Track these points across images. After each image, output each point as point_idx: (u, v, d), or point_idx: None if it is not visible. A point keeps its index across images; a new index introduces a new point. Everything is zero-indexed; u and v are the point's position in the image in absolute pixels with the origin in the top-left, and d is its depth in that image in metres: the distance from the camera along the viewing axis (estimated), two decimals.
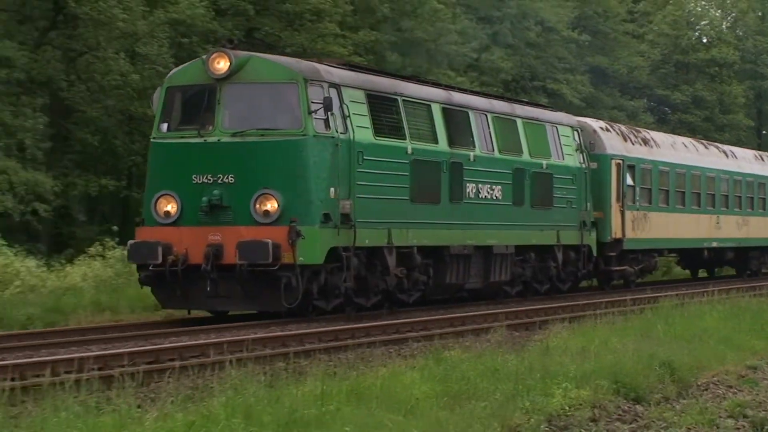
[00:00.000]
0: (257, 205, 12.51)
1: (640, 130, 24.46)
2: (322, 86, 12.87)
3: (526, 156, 17.90)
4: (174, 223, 12.86)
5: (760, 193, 27.36)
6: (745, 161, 27.45)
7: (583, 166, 19.60)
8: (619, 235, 20.36)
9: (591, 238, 19.52)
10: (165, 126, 13.33)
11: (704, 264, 27.01)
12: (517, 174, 17.48)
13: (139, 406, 6.13)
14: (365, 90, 13.83)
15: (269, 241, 11.91)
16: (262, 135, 12.87)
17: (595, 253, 19.65)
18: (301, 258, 12.21)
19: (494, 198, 16.73)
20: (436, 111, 15.36)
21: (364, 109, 13.62)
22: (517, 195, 17.44)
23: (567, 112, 22.12)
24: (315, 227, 12.53)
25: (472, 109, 16.60)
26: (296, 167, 12.80)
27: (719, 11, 45.96)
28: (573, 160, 19.34)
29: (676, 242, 23.60)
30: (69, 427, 5.01)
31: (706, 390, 8.69)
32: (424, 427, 5.80)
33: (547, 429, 6.52)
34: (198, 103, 13.22)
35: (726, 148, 28.22)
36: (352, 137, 13.05)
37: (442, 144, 15.23)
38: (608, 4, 38.52)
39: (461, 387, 7.23)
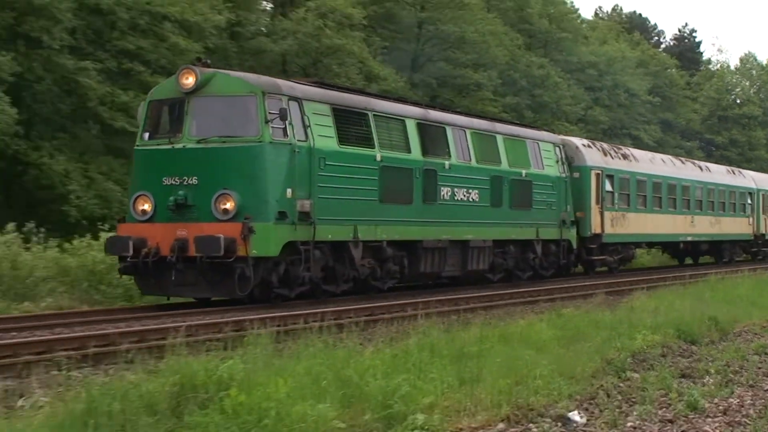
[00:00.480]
0: (217, 204, 13.66)
1: (622, 147, 29.50)
2: (281, 98, 14.16)
3: (504, 165, 20.73)
4: (149, 220, 14.16)
5: (730, 199, 33.67)
6: (718, 174, 34.16)
7: (563, 175, 22.95)
8: (598, 230, 24.18)
9: (571, 234, 23.00)
10: (147, 135, 14.72)
11: (682, 254, 33.00)
12: (494, 180, 20.11)
13: (360, 344, 8.92)
14: (331, 104, 15.44)
15: (221, 236, 13.04)
16: (224, 142, 14.14)
17: (575, 246, 23.20)
18: (254, 251, 13.36)
19: (471, 200, 19.19)
20: (411, 125, 17.46)
21: (329, 120, 15.22)
22: (494, 197, 20.07)
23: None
24: (269, 223, 13.70)
25: (450, 125, 19.04)
26: (252, 170, 14.03)
27: (748, 82, 64.30)
28: (553, 170, 22.64)
29: (654, 237, 28.78)
30: (315, 357, 7.20)
31: (739, 336, 11.99)
32: (550, 359, 8.14)
33: (631, 361, 9.17)
34: (171, 115, 14.64)
35: (701, 163, 35.17)
36: (312, 145, 14.51)
37: (416, 153, 17.37)
38: (672, 77, 56.60)
39: (573, 333, 10.24)
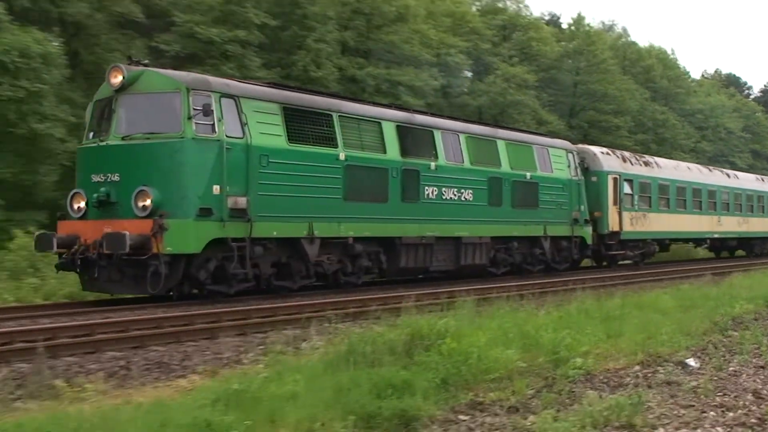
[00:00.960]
0: (137, 201, 13.57)
1: (645, 156, 32.13)
2: (209, 95, 14.02)
3: (505, 168, 21.93)
4: (82, 217, 14.27)
5: (759, 202, 37.75)
6: (746, 181, 37.99)
7: (575, 178, 24.77)
8: (616, 228, 26.45)
9: (584, 231, 24.86)
10: (91, 134, 14.98)
11: (718, 248, 37.03)
12: (492, 181, 21.25)
13: (535, 308, 11.96)
14: (282, 103, 15.56)
15: (126, 233, 12.89)
16: (147, 138, 14.07)
17: (590, 242, 25.21)
18: (168, 248, 13.16)
19: (464, 199, 20.28)
20: (389, 128, 18.22)
21: (277, 119, 15.30)
22: (493, 197, 21.26)
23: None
24: (188, 220, 13.54)
25: (439, 129, 20.02)
26: (171, 166, 13.86)
27: None
28: (563, 173, 24.36)
29: (677, 234, 31.33)
30: (503, 317, 9.89)
31: None
32: (672, 321, 11.10)
33: (731, 323, 12.03)
34: (104, 113, 14.66)
35: (729, 171, 39.04)
36: (250, 142, 14.52)
37: (392, 154, 18.13)
38: (759, 119, 69.11)
39: (689, 303, 13.21)
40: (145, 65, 14.98)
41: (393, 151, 18.35)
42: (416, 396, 6.47)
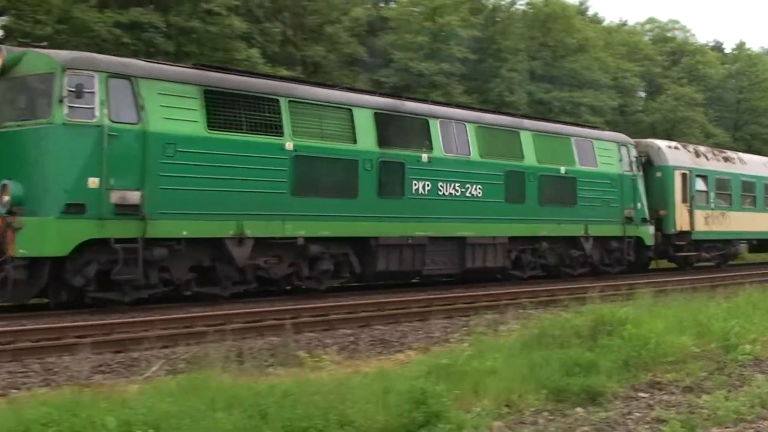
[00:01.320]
0: (2, 196, 12.22)
1: (725, 151, 29.78)
2: (92, 75, 12.40)
3: (529, 161, 20.01)
4: None
5: None
6: None
7: (628, 173, 22.95)
8: (686, 228, 24.62)
9: (641, 231, 23.08)
10: None
11: None
12: (511, 176, 19.22)
13: (707, 299, 12.76)
14: (203, 86, 13.79)
15: None
16: (18, 126, 12.62)
17: (649, 243, 23.32)
18: (21, 250, 11.62)
19: (470, 195, 18.33)
20: (363, 115, 16.35)
21: (194, 103, 13.54)
22: (511, 193, 19.24)
23: None
24: (49, 218, 11.92)
25: (437, 117, 18.12)
26: (36, 156, 12.37)
27: None
28: (612, 168, 22.57)
29: (761, 234, 28.72)
30: (678, 307, 11.08)
31: None
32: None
33: None
34: None
35: None
36: (148, 128, 12.79)
37: (366, 144, 16.23)
38: None
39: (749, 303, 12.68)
40: (29, 45, 13.65)
41: (367, 141, 16.49)
42: (600, 375, 7.30)
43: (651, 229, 23.50)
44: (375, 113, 16.82)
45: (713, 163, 26.95)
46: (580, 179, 21.37)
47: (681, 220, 24.64)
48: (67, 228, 12.03)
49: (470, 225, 18.29)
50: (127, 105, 12.75)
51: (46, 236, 11.91)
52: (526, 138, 20.04)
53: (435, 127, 17.99)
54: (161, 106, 13.17)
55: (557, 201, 20.53)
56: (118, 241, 12.41)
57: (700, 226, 25.28)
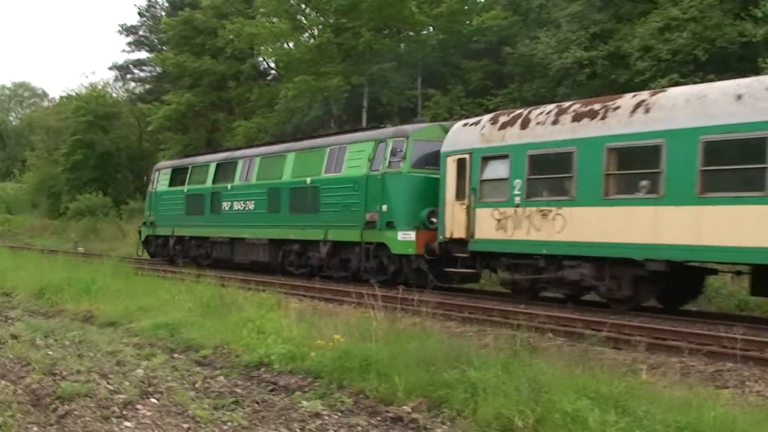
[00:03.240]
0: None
1: (592, 102, 17.30)
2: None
3: (286, 177, 25.33)
4: None
5: None
6: None
7: (374, 172, 21.32)
8: (460, 234, 18.97)
9: (385, 236, 20.74)
10: None
11: None
12: (272, 191, 26.58)
13: None
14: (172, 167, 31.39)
15: None
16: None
17: (397, 251, 20.41)
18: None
19: (247, 209, 27.49)
20: (211, 166, 29.32)
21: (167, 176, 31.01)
22: (272, 205, 25.95)
23: None
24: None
25: (242, 158, 28.06)
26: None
27: None
28: (358, 171, 21.92)
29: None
30: None
31: None
32: None
33: None
34: None
35: None
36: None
37: (208, 183, 29.33)
38: None
39: None
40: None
41: (209, 181, 30.31)
42: None
43: (404, 234, 20.14)
44: (216, 163, 29.99)
45: (536, 131, 17.34)
46: (322, 187, 23.16)
47: (453, 224, 19.03)
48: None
49: (248, 230, 27.76)
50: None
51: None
52: (289, 158, 25.78)
53: (240, 165, 28.46)
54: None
55: (303, 209, 24.30)
56: None
57: (484, 232, 18.20)
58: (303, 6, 42.02)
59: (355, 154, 21.84)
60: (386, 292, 13.67)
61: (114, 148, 60.18)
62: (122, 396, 8.47)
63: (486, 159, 18.40)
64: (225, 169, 29.40)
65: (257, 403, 8.44)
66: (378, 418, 7.90)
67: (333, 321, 11.61)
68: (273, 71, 51.22)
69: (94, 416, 7.75)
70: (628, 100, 16.04)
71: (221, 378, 9.60)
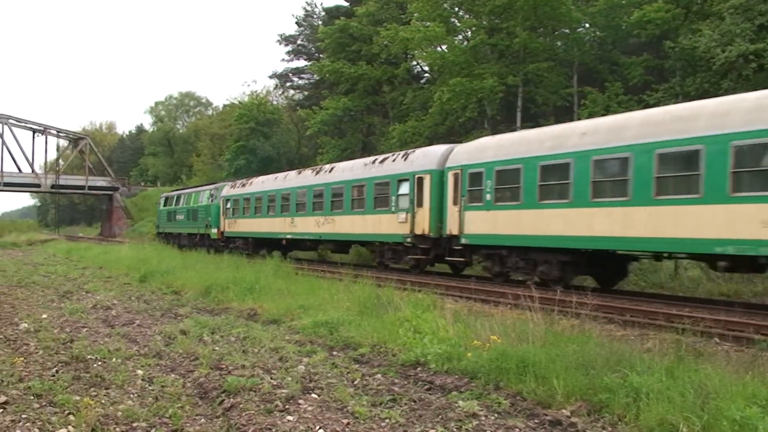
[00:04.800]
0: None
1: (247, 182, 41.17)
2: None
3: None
4: None
5: None
6: None
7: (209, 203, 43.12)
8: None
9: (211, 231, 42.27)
10: None
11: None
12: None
13: None
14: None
15: None
16: None
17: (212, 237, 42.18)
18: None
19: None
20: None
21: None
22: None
23: None
24: None
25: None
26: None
27: None
28: (206, 201, 43.60)
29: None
30: None
31: None
32: None
33: None
34: None
35: None
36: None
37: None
38: None
39: None
40: None
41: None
42: None
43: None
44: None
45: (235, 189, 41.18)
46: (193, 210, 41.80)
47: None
48: None
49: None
50: None
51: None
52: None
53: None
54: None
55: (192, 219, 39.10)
56: None
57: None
58: (456, 9, 42.09)
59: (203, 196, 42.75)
60: (543, 293, 13.48)
61: (274, 153, 62.37)
62: (284, 391, 8.76)
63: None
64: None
65: (414, 401, 8.49)
66: (536, 421, 7.77)
67: (489, 322, 11.54)
68: (426, 74, 51.65)
69: (258, 410, 8.03)
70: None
71: (379, 376, 9.74)
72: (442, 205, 23.84)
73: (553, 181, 19.40)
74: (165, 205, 52.21)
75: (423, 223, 24.48)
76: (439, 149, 25.11)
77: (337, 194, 30.02)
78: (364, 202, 27.95)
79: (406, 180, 25.41)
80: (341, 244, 31.15)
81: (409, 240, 25.00)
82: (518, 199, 20.49)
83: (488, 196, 21.59)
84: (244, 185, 40.09)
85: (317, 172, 32.86)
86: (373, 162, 28.43)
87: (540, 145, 20.04)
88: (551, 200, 19.45)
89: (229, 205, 40.69)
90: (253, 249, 37.33)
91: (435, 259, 25.11)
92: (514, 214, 20.57)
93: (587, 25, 38.17)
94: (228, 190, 41.56)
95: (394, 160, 26.84)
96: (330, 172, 31.46)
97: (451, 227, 23.19)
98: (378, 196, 27.06)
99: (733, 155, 14.88)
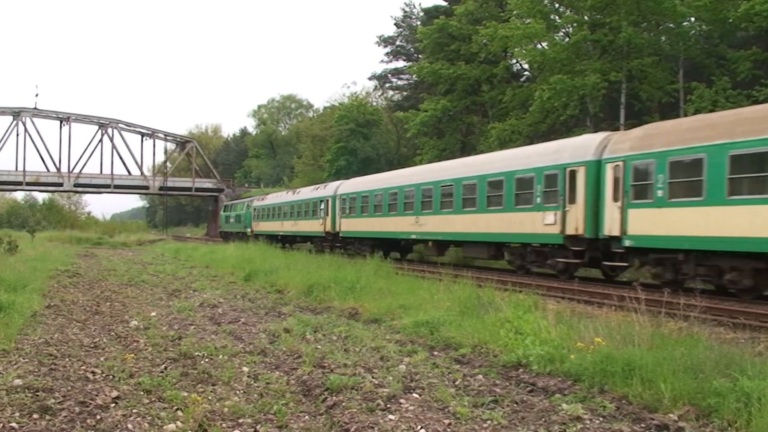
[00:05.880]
0: None
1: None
2: None
3: None
4: None
5: None
6: None
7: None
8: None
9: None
10: None
11: None
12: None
13: None
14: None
15: None
16: None
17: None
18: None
19: None
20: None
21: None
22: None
23: None
24: None
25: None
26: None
27: None
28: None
29: None
30: None
31: None
32: None
33: None
34: None
35: None
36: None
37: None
38: None
39: None
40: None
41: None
42: None
43: None
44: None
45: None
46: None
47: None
48: None
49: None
50: None
51: None
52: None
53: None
54: None
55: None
56: None
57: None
58: (557, 5, 41.48)
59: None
60: (649, 294, 13.16)
61: (374, 154, 62.80)
62: (386, 390, 8.82)
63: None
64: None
65: (516, 403, 8.43)
66: (642, 425, 7.60)
67: (592, 323, 11.33)
68: (526, 72, 51.09)
69: (360, 408, 8.11)
70: None
71: (480, 377, 9.70)
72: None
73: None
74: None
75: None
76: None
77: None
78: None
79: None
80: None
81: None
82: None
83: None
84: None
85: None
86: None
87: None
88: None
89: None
90: (370, 249, 34.72)
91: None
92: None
93: (692, 19, 37.03)
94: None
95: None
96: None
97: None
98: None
99: None
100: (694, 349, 9.27)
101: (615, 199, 20.40)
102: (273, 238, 51.02)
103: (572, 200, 22.12)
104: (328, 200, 41.56)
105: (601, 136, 22.51)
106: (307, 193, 46.96)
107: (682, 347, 9.40)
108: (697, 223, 17.63)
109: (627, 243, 19.83)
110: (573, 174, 22.12)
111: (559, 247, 23.02)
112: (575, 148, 22.59)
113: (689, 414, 7.70)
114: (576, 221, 21.88)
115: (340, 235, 39.62)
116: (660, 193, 18.75)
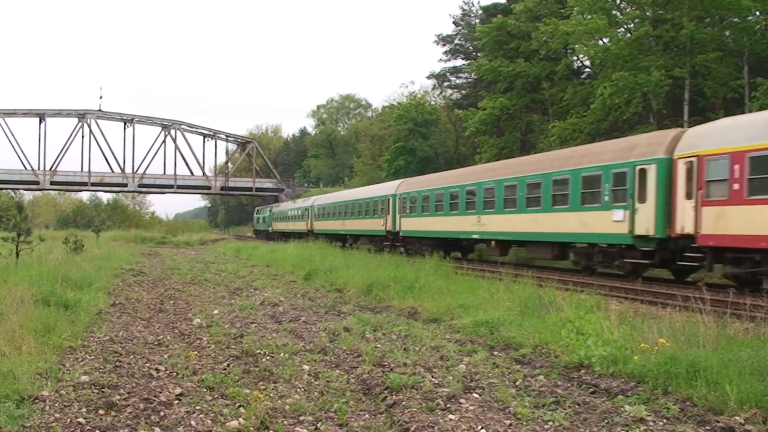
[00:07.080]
0: None
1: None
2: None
3: None
4: None
5: None
6: None
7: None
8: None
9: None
10: None
11: None
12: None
13: None
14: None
15: None
16: None
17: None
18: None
19: None
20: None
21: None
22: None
23: None
24: None
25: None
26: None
27: None
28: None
29: None
30: None
31: None
32: None
33: None
34: None
35: None
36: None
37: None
38: None
39: None
40: None
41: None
42: None
43: None
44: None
45: None
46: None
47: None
48: None
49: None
50: None
51: None
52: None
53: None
54: None
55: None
56: None
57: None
58: (618, 0, 40.90)
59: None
60: (714, 295, 12.90)
61: (433, 153, 62.72)
62: (446, 389, 8.81)
63: None
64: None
65: (578, 404, 8.34)
66: (707, 428, 7.46)
67: (656, 324, 11.15)
68: (587, 69, 50.49)
69: (420, 407, 8.12)
70: None
71: (541, 377, 9.63)
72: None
73: None
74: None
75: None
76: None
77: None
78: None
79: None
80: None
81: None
82: None
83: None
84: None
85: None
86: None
87: None
88: None
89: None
90: (431, 249, 34.59)
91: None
92: None
93: (758, 13, 36.16)
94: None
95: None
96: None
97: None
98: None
99: None
100: (761, 350, 9.06)
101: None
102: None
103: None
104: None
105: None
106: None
107: (748, 349, 9.20)
108: None
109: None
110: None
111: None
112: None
113: (756, 417, 7.52)
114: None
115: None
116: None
